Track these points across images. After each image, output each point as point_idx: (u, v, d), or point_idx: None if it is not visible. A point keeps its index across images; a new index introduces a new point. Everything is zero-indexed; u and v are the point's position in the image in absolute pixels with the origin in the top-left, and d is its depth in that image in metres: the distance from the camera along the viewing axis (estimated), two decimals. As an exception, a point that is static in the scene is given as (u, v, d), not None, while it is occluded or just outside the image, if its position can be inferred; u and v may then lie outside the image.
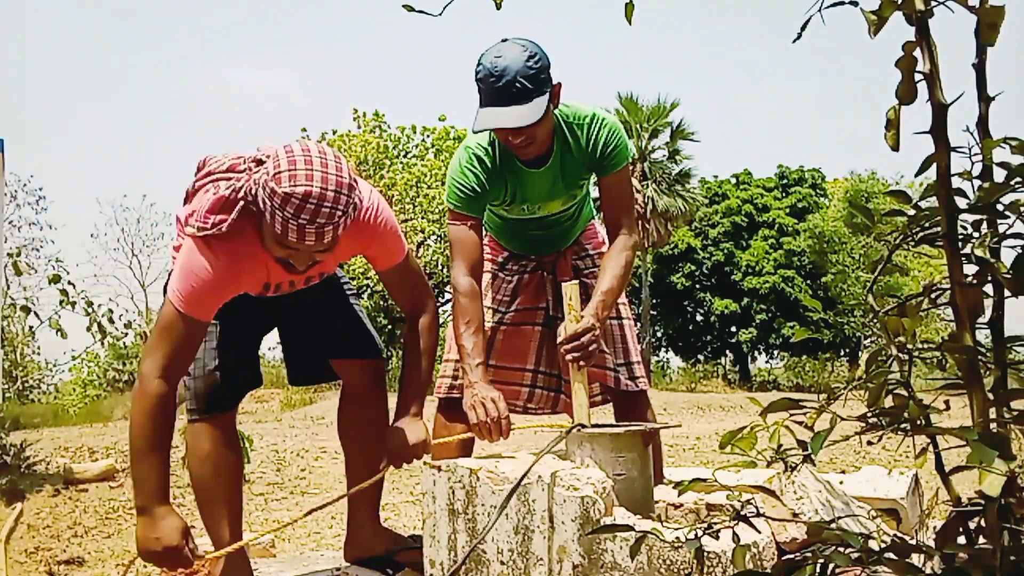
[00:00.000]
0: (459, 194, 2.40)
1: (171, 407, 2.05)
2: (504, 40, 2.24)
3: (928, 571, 1.06)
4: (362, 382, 2.46)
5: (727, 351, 29.85)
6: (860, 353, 26.41)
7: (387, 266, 2.27)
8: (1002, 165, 1.04)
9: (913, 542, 1.07)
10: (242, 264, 2.08)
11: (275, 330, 2.55)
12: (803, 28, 1.10)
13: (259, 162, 2.05)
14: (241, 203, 1.99)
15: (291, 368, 2.59)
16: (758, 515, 1.24)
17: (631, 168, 2.51)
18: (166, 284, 2.17)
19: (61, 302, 7.96)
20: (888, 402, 1.10)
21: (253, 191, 1.96)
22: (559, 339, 2.20)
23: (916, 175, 1.12)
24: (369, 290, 21.40)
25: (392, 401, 2.32)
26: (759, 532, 1.63)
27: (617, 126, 2.42)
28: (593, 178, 2.54)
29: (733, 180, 29.53)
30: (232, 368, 2.35)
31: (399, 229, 2.27)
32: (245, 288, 2.18)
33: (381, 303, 22.11)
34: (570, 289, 2.22)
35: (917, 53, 1.04)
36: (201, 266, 2.03)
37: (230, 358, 2.34)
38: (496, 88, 2.17)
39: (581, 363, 2.18)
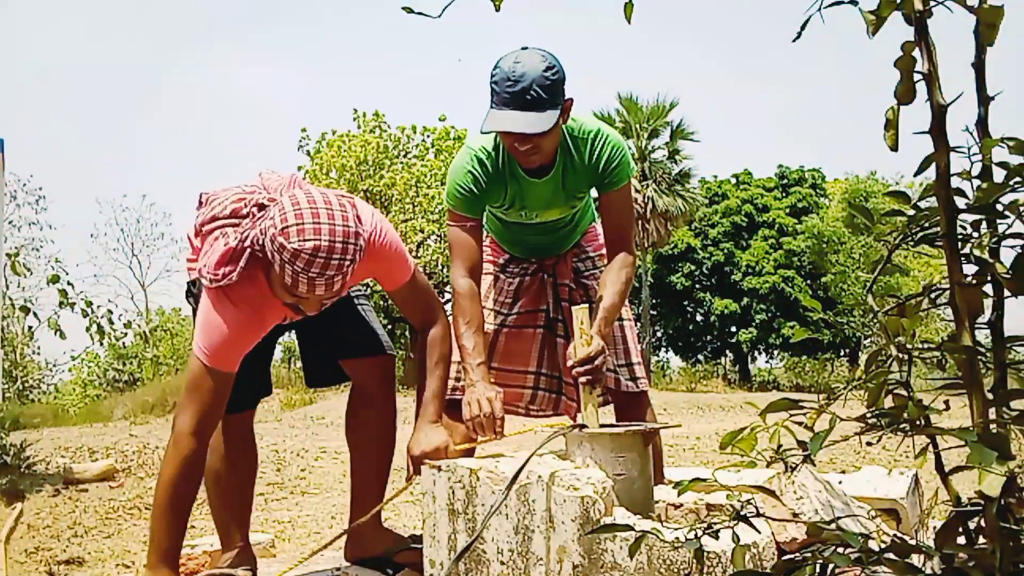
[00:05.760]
0: (458, 195, 2.40)
1: (200, 465, 2.11)
2: (524, 48, 2.24)
3: (928, 571, 1.06)
4: (371, 381, 2.46)
5: (727, 351, 29.84)
6: (860, 353, 26.41)
7: (395, 286, 2.29)
8: (1001, 165, 1.04)
9: (913, 542, 1.07)
10: (261, 309, 2.11)
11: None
12: (803, 28, 1.10)
13: (262, 206, 2.06)
14: (248, 251, 2.00)
15: (307, 371, 2.61)
16: (758, 515, 1.24)
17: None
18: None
19: (60, 302, 7.97)
20: (888, 402, 1.10)
21: (260, 240, 1.97)
22: (569, 361, 2.21)
23: (915, 175, 1.12)
24: (368, 289, 21.39)
25: (400, 402, 2.34)
26: (759, 532, 1.63)
27: (621, 144, 2.42)
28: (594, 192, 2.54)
29: (733, 180, 29.51)
30: (247, 375, 2.35)
31: (404, 248, 2.28)
32: (268, 329, 2.20)
33: (381, 303, 22.10)
34: (580, 313, 2.23)
35: (916, 53, 1.04)
36: (221, 319, 2.06)
37: (245, 366, 2.35)
38: (511, 92, 2.17)
39: (594, 385, 2.19)
